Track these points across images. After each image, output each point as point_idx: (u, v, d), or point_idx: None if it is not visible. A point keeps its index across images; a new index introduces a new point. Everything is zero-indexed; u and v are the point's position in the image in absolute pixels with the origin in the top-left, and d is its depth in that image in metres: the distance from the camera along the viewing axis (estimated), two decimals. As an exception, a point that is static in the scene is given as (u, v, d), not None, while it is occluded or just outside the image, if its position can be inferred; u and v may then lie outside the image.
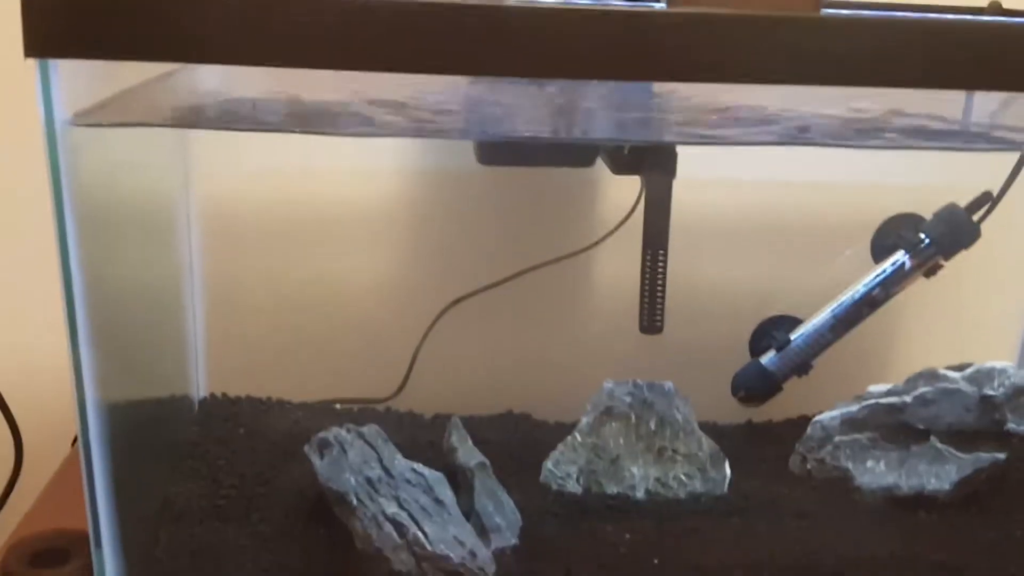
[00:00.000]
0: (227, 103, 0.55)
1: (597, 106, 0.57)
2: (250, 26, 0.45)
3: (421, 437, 0.80)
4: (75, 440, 0.89)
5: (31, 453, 0.88)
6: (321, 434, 0.68)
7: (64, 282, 0.53)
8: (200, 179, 0.83)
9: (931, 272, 0.81)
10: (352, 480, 0.65)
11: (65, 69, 0.47)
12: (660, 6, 0.50)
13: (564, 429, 0.81)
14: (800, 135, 0.57)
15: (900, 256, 0.80)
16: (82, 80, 0.50)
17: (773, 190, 0.91)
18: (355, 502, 0.64)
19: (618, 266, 0.89)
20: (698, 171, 0.75)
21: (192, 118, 0.56)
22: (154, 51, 0.46)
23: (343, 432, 0.69)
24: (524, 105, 0.57)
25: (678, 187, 0.76)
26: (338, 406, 0.87)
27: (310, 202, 0.91)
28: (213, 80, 0.59)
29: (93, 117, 0.50)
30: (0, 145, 0.86)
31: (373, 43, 0.46)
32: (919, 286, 0.82)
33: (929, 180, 0.82)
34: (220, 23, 0.45)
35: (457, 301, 0.90)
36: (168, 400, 0.79)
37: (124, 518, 0.61)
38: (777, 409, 0.87)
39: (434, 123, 0.53)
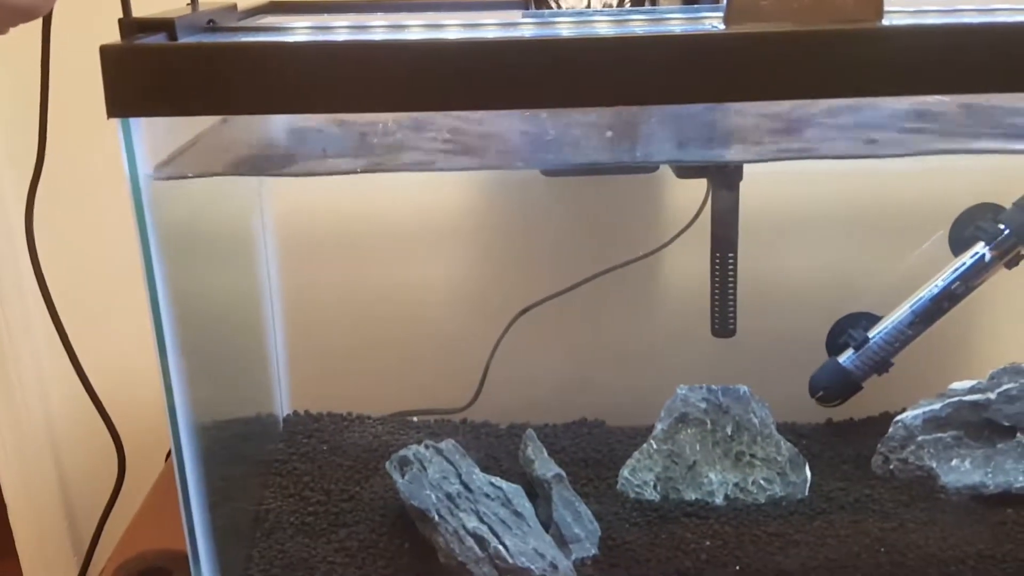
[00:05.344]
0: (294, 142, 0.57)
1: (660, 121, 0.57)
2: (320, 76, 0.47)
3: (497, 448, 0.82)
4: (168, 455, 0.94)
5: (132, 464, 0.92)
6: (401, 452, 0.70)
7: (151, 302, 0.55)
8: (274, 196, 0.85)
9: (1012, 263, 0.78)
10: (432, 496, 0.67)
11: (142, 123, 0.50)
12: (718, 27, 0.50)
13: (639, 435, 0.81)
14: (868, 146, 0.56)
15: (979, 248, 0.78)
16: (158, 131, 0.52)
17: (843, 179, 0.89)
18: (436, 518, 0.66)
19: (687, 268, 0.89)
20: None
21: (264, 166, 0.57)
22: (228, 105, 0.48)
23: (422, 449, 0.70)
24: (585, 125, 0.57)
25: (745, 177, 0.75)
26: (415, 419, 0.89)
27: (379, 214, 0.92)
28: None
29: (172, 169, 0.52)
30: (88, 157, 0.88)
31: (436, 84, 0.47)
32: (1000, 278, 0.80)
33: (1006, 167, 0.79)
34: (290, 76, 0.47)
35: (527, 309, 0.91)
36: (255, 418, 0.82)
37: (219, 534, 0.64)
38: (857, 407, 0.85)
39: (495, 150, 0.54)
